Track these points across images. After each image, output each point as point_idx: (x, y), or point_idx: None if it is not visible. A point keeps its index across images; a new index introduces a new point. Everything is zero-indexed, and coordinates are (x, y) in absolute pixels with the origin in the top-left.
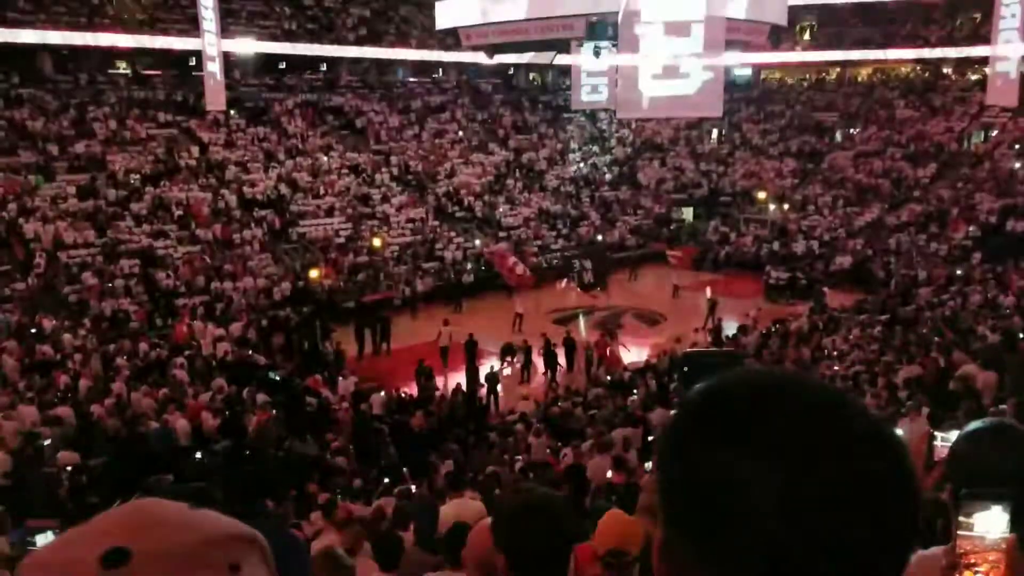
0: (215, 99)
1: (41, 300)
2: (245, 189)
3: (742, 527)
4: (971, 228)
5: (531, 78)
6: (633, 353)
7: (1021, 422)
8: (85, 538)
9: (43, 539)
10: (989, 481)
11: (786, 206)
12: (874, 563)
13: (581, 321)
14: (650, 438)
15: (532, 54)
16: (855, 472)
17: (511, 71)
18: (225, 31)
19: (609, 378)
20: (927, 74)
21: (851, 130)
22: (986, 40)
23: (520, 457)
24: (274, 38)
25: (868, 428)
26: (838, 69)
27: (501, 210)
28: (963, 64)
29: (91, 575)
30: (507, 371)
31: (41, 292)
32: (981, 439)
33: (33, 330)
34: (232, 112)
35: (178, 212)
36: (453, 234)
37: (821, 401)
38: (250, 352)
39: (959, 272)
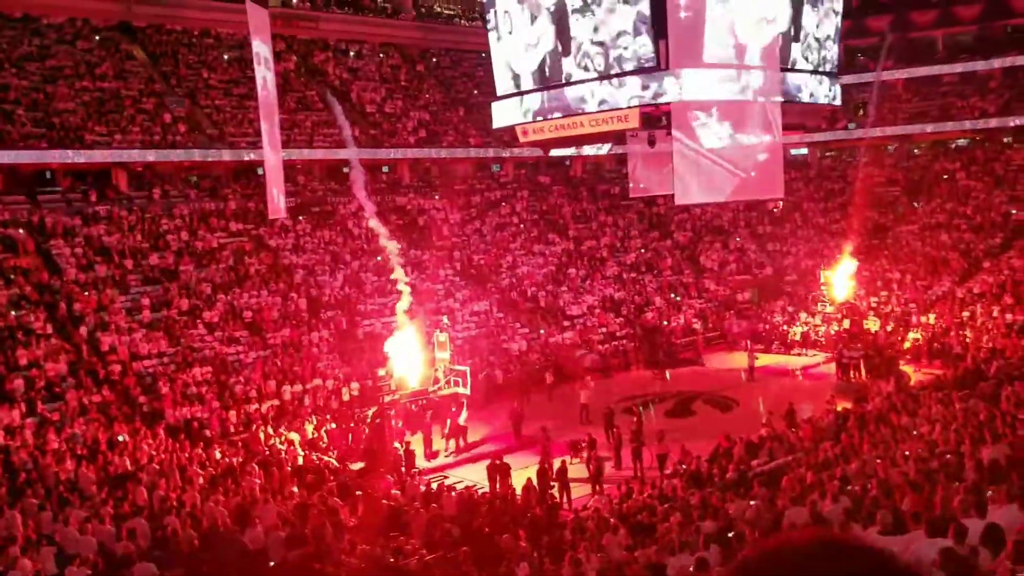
0: (275, 210)
1: (117, 410)
2: (313, 292)
3: None
4: None
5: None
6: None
7: None
8: None
9: None
10: None
11: (854, 283)
12: None
13: (651, 408)
14: (730, 534)
15: (587, 146)
16: None
17: (568, 162)
18: (291, 142)
19: (684, 467)
20: (986, 144)
21: (914, 203)
22: None
23: (597, 557)
24: (337, 145)
25: None
26: (895, 145)
27: (564, 299)
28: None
29: None
30: (576, 464)
31: (116, 402)
32: None
33: (109, 442)
34: (300, 217)
35: (248, 318)
36: (518, 325)
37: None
38: (322, 456)
39: None
